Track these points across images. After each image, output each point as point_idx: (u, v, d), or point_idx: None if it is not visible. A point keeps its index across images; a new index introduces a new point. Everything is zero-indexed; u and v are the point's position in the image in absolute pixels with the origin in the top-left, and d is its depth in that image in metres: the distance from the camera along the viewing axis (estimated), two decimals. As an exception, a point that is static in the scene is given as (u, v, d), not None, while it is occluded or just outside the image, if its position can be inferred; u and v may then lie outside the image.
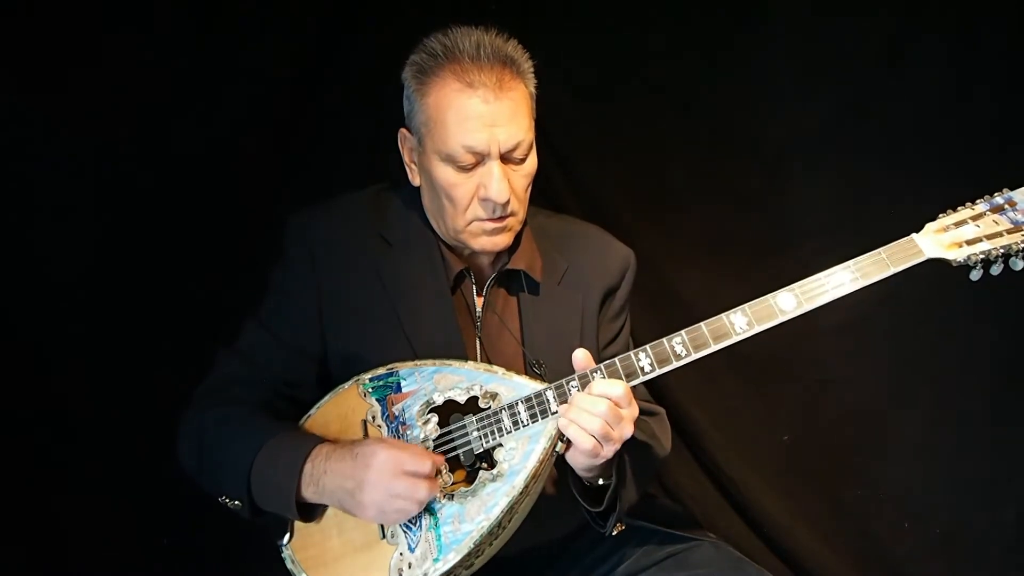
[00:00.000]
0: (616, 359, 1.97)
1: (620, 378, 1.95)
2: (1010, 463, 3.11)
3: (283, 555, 2.01)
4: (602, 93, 3.14)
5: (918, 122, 3.01)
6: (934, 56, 2.97)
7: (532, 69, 2.09)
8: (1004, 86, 2.95)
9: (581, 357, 1.98)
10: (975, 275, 1.89)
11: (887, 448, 3.23)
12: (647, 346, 1.96)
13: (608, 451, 1.91)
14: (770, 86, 3.09)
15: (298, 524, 2.02)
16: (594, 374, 1.96)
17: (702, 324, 1.94)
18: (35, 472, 2.66)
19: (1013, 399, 3.08)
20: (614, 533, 2.16)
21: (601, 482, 2.08)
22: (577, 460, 1.98)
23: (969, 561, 3.14)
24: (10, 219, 2.61)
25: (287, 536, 2.02)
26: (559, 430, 1.95)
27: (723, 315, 1.93)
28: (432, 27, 2.09)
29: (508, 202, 2.05)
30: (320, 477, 1.93)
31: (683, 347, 1.94)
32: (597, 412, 1.87)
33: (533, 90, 2.11)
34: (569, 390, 1.95)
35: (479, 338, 2.22)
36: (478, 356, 2.20)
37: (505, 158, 2.04)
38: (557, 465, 2.06)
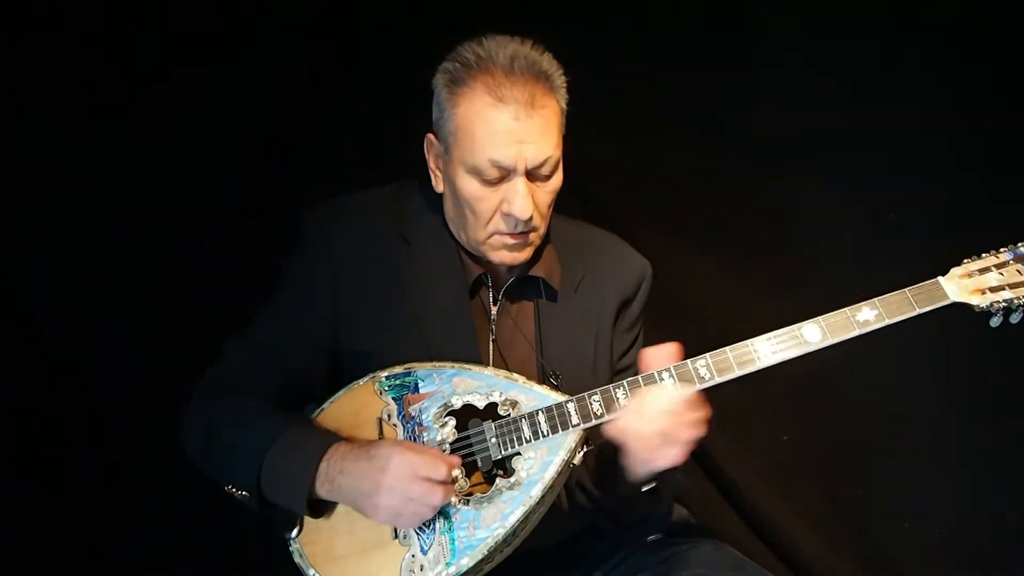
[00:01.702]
0: (640, 377, 2.01)
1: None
2: (1010, 463, 3.15)
3: (291, 548, 2.03)
4: (608, 99, 3.13)
5: (919, 122, 3.03)
6: (935, 56, 2.99)
7: (565, 84, 2.10)
8: (1003, 86, 2.97)
9: (664, 356, 2.02)
10: (995, 321, 1.96)
11: (887, 448, 3.26)
12: (670, 366, 2.00)
13: (676, 454, 1.96)
14: (776, 87, 3.12)
15: (307, 518, 2.03)
16: (616, 390, 2.00)
17: (727, 349, 1.99)
18: (38, 467, 2.68)
19: (1013, 399, 3.12)
20: (649, 539, 2.24)
21: (644, 488, 2.10)
22: (638, 466, 2.01)
23: (969, 561, 3.18)
24: (17, 218, 2.63)
25: (296, 530, 2.04)
26: (578, 443, 1.99)
27: (748, 342, 1.99)
28: (443, 28, 2.11)
29: (531, 218, 2.07)
30: (335, 476, 1.95)
31: (707, 370, 1.99)
32: (657, 417, 1.92)
33: (564, 106, 2.11)
34: (591, 403, 1.99)
35: (493, 342, 2.25)
36: (491, 360, 2.23)
37: (531, 175, 2.05)
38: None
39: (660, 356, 2.03)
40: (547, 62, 2.06)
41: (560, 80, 2.08)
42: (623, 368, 2.40)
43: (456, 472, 1.98)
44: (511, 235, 2.10)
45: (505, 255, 2.14)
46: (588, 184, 3.20)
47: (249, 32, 2.84)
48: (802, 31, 3.08)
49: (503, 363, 2.24)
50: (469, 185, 2.07)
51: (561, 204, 2.14)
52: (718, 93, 3.14)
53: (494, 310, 2.26)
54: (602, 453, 2.11)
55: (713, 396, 3.19)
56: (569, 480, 2.13)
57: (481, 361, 2.19)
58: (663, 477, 2.09)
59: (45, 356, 2.69)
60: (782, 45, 3.10)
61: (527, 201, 2.03)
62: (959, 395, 3.18)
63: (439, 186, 2.21)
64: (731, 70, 3.12)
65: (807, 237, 3.18)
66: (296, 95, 2.97)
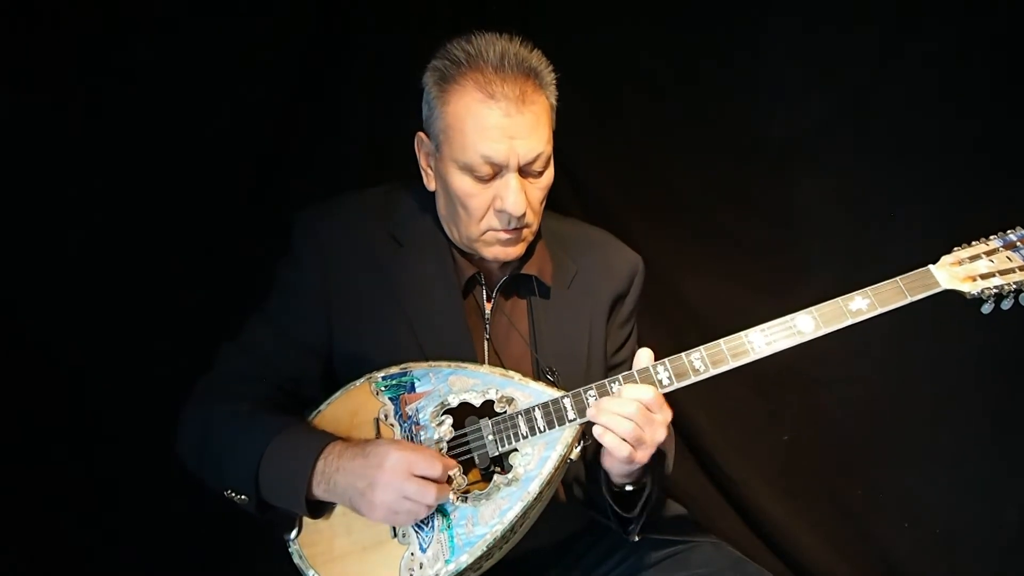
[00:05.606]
0: (635, 371, 2.02)
1: None
2: (1010, 463, 3.15)
3: (290, 550, 2.05)
4: (605, 97, 3.18)
5: (919, 123, 3.03)
6: (934, 56, 2.99)
7: (554, 81, 2.12)
8: (1004, 87, 2.97)
9: (644, 358, 2.03)
10: (986, 308, 1.97)
11: (887, 448, 3.27)
12: (666, 360, 2.01)
13: (642, 455, 1.96)
14: (774, 87, 3.12)
15: (307, 520, 2.05)
16: (612, 385, 2.01)
17: (721, 341, 2.00)
18: (35, 470, 2.67)
19: (1013, 399, 3.11)
20: (636, 539, 2.22)
21: (629, 488, 2.13)
22: (613, 466, 2.04)
23: (969, 561, 3.18)
24: (12, 218, 2.62)
25: (295, 531, 2.06)
26: (575, 437, 2.00)
27: (742, 333, 2.00)
28: (436, 27, 2.12)
29: (524, 215, 2.08)
30: (332, 475, 1.97)
31: (701, 363, 2.00)
32: (629, 415, 1.92)
33: (554, 102, 2.13)
34: (587, 399, 2.00)
35: (488, 340, 2.26)
36: (486, 358, 2.25)
37: (523, 171, 2.07)
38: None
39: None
40: (536, 59, 2.08)
41: (549, 77, 2.11)
42: (618, 364, 2.42)
43: (453, 471, 1.99)
44: (505, 231, 2.12)
45: (499, 251, 2.16)
46: (587, 182, 3.23)
47: (247, 31, 2.85)
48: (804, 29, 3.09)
49: (499, 361, 2.25)
50: (461, 182, 2.09)
51: (558, 202, 2.15)
52: (716, 89, 3.16)
53: (488, 309, 2.28)
54: (586, 450, 2.13)
55: (714, 396, 3.26)
56: (567, 475, 2.15)
57: (476, 360, 2.20)
58: (644, 480, 2.12)
59: (40, 361, 2.69)
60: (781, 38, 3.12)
61: (520, 197, 2.05)
62: (959, 395, 3.18)
63: (431, 184, 2.23)
64: (734, 70, 3.15)
65: (805, 235, 3.19)
66: (292, 95, 2.99)
